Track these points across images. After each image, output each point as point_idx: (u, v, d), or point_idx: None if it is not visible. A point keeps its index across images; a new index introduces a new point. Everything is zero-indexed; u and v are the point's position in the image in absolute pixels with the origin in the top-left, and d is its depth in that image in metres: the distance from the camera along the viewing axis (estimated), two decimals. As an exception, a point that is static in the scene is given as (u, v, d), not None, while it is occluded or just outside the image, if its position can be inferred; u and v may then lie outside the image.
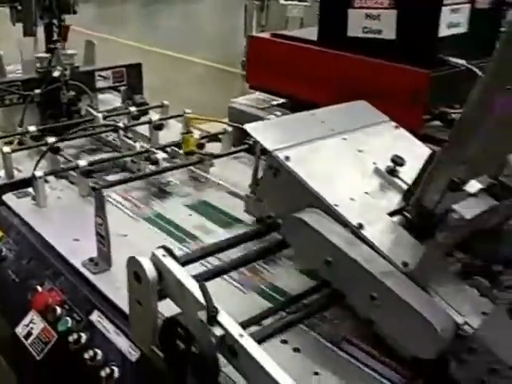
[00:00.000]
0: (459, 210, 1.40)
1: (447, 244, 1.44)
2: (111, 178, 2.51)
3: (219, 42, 11.44)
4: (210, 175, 2.60)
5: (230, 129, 2.79)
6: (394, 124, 2.11)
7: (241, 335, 1.40)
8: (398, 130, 2.09)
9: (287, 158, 1.76)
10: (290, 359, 1.61)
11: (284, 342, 1.67)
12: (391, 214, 1.70)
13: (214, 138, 2.82)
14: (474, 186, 1.51)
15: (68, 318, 1.85)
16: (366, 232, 1.60)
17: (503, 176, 1.49)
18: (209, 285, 1.58)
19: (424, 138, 2.19)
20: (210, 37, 12.25)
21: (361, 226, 1.61)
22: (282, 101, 3.35)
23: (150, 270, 1.52)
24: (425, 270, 1.49)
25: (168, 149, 2.71)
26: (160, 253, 1.55)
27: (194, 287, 1.47)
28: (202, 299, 1.43)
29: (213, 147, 2.79)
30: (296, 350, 1.65)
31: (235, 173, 2.61)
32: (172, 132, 2.96)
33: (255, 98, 3.43)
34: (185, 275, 1.51)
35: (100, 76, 3.37)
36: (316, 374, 1.57)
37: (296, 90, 3.10)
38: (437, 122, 2.83)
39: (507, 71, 1.40)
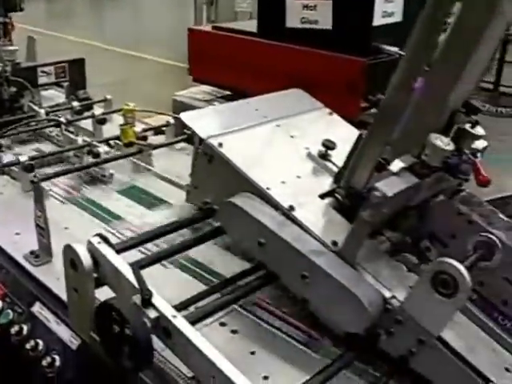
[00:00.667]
0: (381, 187, 1.45)
1: (372, 222, 1.49)
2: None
3: (169, 38, 11.40)
4: (153, 168, 2.62)
5: (172, 121, 2.81)
6: (328, 110, 2.16)
7: (174, 316, 1.44)
8: (332, 116, 2.14)
9: (220, 145, 1.80)
10: (227, 340, 1.65)
11: (222, 324, 1.71)
12: (322, 196, 1.75)
13: (157, 130, 2.84)
14: (397, 165, 1.56)
15: (9, 311, 1.86)
16: (297, 213, 1.65)
17: (424, 155, 1.54)
18: (147, 271, 1.62)
19: (362, 125, 2.24)
20: (160, 32, 12.20)
21: (292, 208, 1.66)
22: (226, 93, 3.39)
23: (86, 258, 1.54)
24: (352, 247, 1.54)
25: (112, 142, 2.72)
26: (95, 240, 1.58)
27: (128, 272, 1.50)
28: (135, 283, 1.46)
29: (158, 140, 2.81)
30: (234, 331, 1.69)
31: (179, 165, 2.64)
32: (116, 126, 2.97)
33: (199, 91, 3.46)
34: (119, 261, 1.54)
35: (43, 72, 3.36)
36: (252, 353, 1.61)
37: (237, 82, 3.14)
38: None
39: (423, 53, 1.46)
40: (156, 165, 2.63)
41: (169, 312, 1.45)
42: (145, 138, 2.63)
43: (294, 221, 1.64)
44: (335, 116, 2.14)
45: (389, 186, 1.47)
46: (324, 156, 1.86)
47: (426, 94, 1.52)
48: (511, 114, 7.35)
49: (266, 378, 1.53)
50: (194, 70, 3.38)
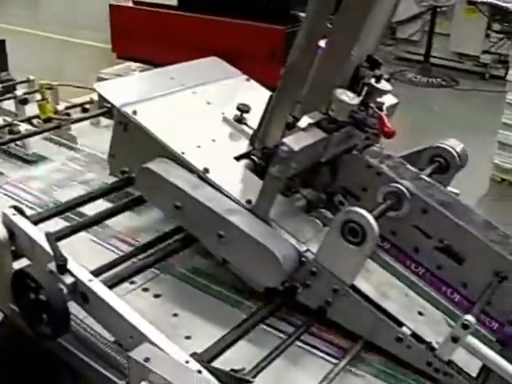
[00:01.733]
0: (288, 142, 1.48)
1: (281, 177, 1.52)
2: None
3: (103, 21, 11.20)
4: (79, 145, 2.60)
5: (95, 98, 2.78)
6: (245, 77, 2.18)
7: (90, 280, 1.45)
8: (249, 83, 2.16)
9: (135, 112, 1.80)
10: (150, 304, 1.67)
11: (145, 289, 1.72)
12: (238, 158, 1.77)
13: (82, 108, 2.81)
14: (305, 121, 1.59)
15: None
16: (212, 175, 1.67)
17: (331, 110, 1.57)
18: (68, 240, 1.62)
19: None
20: (95, 16, 11.99)
21: (206, 171, 1.67)
22: (150, 68, 3.37)
23: (1, 230, 1.53)
24: (264, 204, 1.56)
25: (35, 122, 2.68)
26: (10, 212, 1.57)
27: (42, 240, 1.50)
28: (50, 251, 1.46)
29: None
30: (157, 295, 1.70)
31: (104, 141, 2.61)
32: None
33: (124, 67, 3.43)
34: (34, 231, 1.53)
35: (-36, 56, 3.29)
36: (175, 315, 1.63)
37: (160, 56, 3.13)
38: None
39: (325, 11, 1.49)
40: (80, 142, 2.60)
41: (85, 277, 1.46)
42: (68, 116, 2.61)
43: (209, 182, 1.65)
44: (252, 82, 2.16)
45: (296, 141, 1.49)
46: (240, 120, 1.88)
47: (329, 51, 1.54)
48: (442, 84, 7.49)
49: (188, 337, 1.55)
50: (116, 47, 3.36)
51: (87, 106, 2.81)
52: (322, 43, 1.58)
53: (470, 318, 1.38)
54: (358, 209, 1.44)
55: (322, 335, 1.58)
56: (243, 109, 1.87)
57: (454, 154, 1.85)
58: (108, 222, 1.90)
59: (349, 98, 1.56)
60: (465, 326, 1.38)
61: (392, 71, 7.73)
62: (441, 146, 1.87)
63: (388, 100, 1.86)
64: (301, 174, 1.74)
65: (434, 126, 6.09)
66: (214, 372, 1.31)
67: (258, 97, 2.02)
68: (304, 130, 1.57)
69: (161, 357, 1.31)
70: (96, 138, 2.65)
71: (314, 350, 1.55)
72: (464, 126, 6.04)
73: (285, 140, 1.49)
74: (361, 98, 1.66)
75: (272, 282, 1.54)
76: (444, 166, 1.85)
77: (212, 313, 1.65)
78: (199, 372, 1.29)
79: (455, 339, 1.40)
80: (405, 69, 7.86)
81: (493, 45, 7.54)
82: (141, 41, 3.17)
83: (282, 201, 1.68)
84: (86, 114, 2.70)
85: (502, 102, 5.06)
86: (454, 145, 1.88)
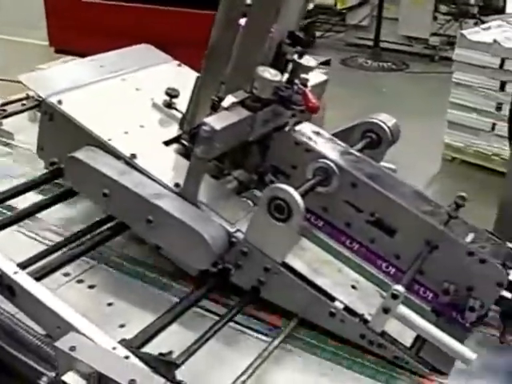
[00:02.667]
0: (209, 122, 1.46)
1: (205, 157, 1.50)
2: None
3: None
4: (15, 141, 2.55)
5: (32, 93, 2.73)
6: (176, 63, 2.16)
7: (15, 272, 1.42)
8: (180, 68, 2.14)
9: (60, 102, 1.77)
10: (84, 295, 1.64)
11: (80, 281, 1.69)
12: (168, 143, 1.75)
13: (21, 104, 2.75)
14: (229, 101, 1.58)
15: None
16: (139, 161, 1.64)
17: (254, 88, 1.56)
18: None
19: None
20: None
21: (134, 156, 1.65)
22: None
23: None
24: (191, 186, 1.55)
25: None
26: None
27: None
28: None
29: (22, 116, 2.73)
30: (91, 286, 1.68)
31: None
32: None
33: (61, 62, 3.37)
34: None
35: None
36: (110, 304, 1.61)
37: (96, 47, 3.07)
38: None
39: None
40: (17, 138, 2.56)
41: (10, 269, 1.43)
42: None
43: (137, 168, 1.63)
44: (184, 67, 2.14)
45: (218, 121, 1.48)
46: (169, 105, 1.85)
47: (248, 29, 1.53)
48: (392, 68, 7.54)
49: (122, 326, 1.53)
50: (53, 41, 3.30)
51: (24, 102, 2.76)
52: (243, 22, 1.56)
53: (398, 287, 1.38)
54: (282, 185, 1.43)
55: (257, 315, 1.57)
56: (172, 93, 1.84)
57: (386, 128, 1.85)
58: (41, 215, 1.87)
59: (271, 74, 1.55)
60: (394, 296, 1.38)
61: (343, 57, 7.77)
62: (372, 121, 1.86)
63: (317, 77, 1.85)
64: (230, 155, 1.73)
65: (386, 109, 6.06)
66: (142, 357, 1.29)
67: (189, 81, 1.99)
68: (227, 109, 1.55)
69: (87, 345, 1.29)
70: (34, 133, 2.60)
71: (249, 331, 1.54)
72: (415, 108, 6.11)
73: (206, 120, 1.47)
74: (286, 75, 1.65)
75: (202, 264, 1.53)
76: (376, 140, 1.85)
77: (147, 300, 1.63)
78: (126, 358, 1.28)
79: (386, 310, 1.40)
80: (356, 54, 7.90)
81: (441, 27, 7.61)
82: (76, 33, 3.13)
83: (212, 183, 1.66)
84: (19, 109, 2.65)
85: (451, 82, 5.11)
86: (386, 120, 1.88)
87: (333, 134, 1.85)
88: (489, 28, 5.20)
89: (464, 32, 5.03)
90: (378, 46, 7.79)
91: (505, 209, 2.17)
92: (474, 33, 5.04)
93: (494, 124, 4.78)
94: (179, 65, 2.15)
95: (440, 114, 5.27)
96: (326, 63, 3.13)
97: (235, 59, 1.58)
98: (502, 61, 4.69)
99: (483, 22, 6.07)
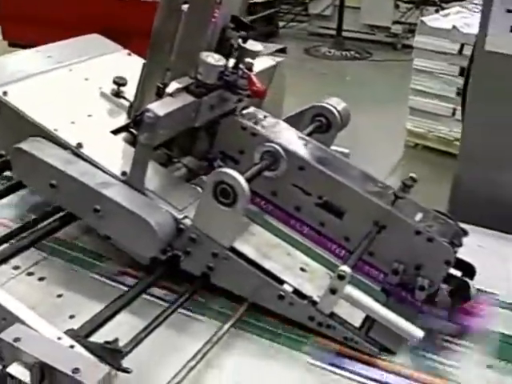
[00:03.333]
0: (152, 108, 1.45)
1: (150, 144, 1.49)
2: None
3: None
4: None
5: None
6: (126, 51, 2.14)
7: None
8: (130, 57, 2.12)
9: (5, 93, 1.74)
10: (34, 288, 1.62)
11: (30, 274, 1.67)
12: (116, 132, 1.73)
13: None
14: (172, 86, 1.57)
15: None
16: (86, 150, 1.62)
17: (199, 74, 1.55)
18: None
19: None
20: None
21: (80, 146, 1.63)
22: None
23: None
24: (138, 173, 1.53)
25: None
26: None
27: None
28: None
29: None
30: (41, 278, 1.66)
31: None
32: None
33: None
34: None
35: None
36: (60, 296, 1.59)
37: (49, 39, 3.04)
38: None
39: None
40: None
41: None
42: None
43: (84, 158, 1.61)
44: (134, 56, 2.12)
45: (161, 107, 1.47)
46: (117, 93, 1.84)
47: (190, 15, 1.52)
48: (356, 57, 7.56)
49: (72, 316, 1.52)
50: (5, 33, 3.25)
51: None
52: (185, 8, 1.55)
53: (345, 268, 1.39)
54: (227, 170, 1.43)
55: (207, 301, 1.56)
56: (119, 82, 1.83)
57: (335, 112, 1.85)
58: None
59: (215, 59, 1.54)
60: (340, 277, 1.39)
61: (306, 47, 7.78)
62: (322, 105, 1.87)
63: (265, 63, 1.85)
64: (178, 142, 1.72)
65: (350, 97, 6.12)
66: (88, 346, 1.27)
67: (138, 70, 1.98)
68: (171, 95, 1.54)
69: (32, 336, 1.27)
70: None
71: (199, 316, 1.53)
72: (379, 96, 6.14)
73: (149, 106, 1.46)
74: (233, 60, 1.65)
75: (150, 252, 1.52)
76: (325, 124, 1.85)
77: (98, 290, 1.61)
78: (72, 347, 1.26)
79: (333, 291, 1.41)
80: (319, 44, 7.91)
81: (402, 15, 7.65)
82: (30, 26, 3.07)
83: (160, 171, 1.66)
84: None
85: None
86: (336, 103, 1.88)
87: (284, 119, 1.85)
88: (448, 14, 5.23)
89: (424, 19, 5.06)
90: (341, 35, 7.80)
91: (457, 189, 2.19)
92: (434, 20, 5.07)
93: (454, 109, 4.81)
94: (129, 54, 2.13)
95: (403, 101, 5.29)
96: (282, 51, 3.13)
97: (179, 45, 1.57)
98: (461, 46, 4.72)
99: (444, 9, 6.11)
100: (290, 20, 8.57)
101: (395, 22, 7.70)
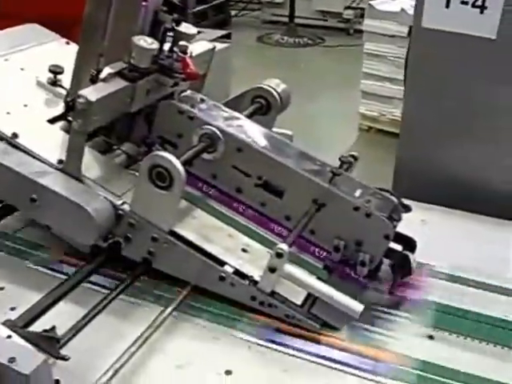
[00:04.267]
0: (84, 93, 1.43)
1: (83, 131, 1.47)
2: None
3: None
4: None
5: None
6: (64, 41, 2.12)
7: None
8: (69, 46, 2.09)
9: None
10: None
11: None
12: (53, 121, 1.71)
13: None
14: (106, 72, 1.55)
15: None
16: (21, 140, 1.60)
17: (132, 58, 1.54)
18: None
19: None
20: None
21: (15, 136, 1.61)
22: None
23: None
24: (73, 160, 1.52)
25: None
26: None
27: None
28: None
29: None
30: (-18, 271, 1.63)
31: None
32: None
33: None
34: None
35: None
36: (1, 289, 1.57)
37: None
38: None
39: None
40: None
41: None
42: None
43: (20, 148, 1.59)
44: (72, 45, 2.09)
45: (93, 92, 1.45)
46: (54, 82, 1.82)
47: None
48: (308, 43, 7.58)
49: (13, 308, 1.49)
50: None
51: None
52: None
53: (282, 246, 1.40)
54: (162, 153, 1.42)
55: (149, 287, 1.56)
56: (55, 70, 1.81)
57: (275, 94, 1.85)
58: None
59: (147, 43, 1.53)
60: (279, 255, 1.39)
61: (259, 35, 7.78)
62: (261, 86, 1.87)
63: (203, 46, 1.84)
64: (116, 128, 1.71)
65: (304, 84, 6.14)
66: (25, 335, 1.26)
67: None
68: (104, 80, 1.52)
69: (-33, 328, 1.26)
70: None
71: (142, 302, 1.52)
72: (333, 81, 6.17)
73: (81, 92, 1.45)
74: (169, 44, 1.64)
75: (89, 239, 1.50)
76: (265, 106, 1.85)
77: (39, 281, 1.59)
78: (9, 337, 1.25)
79: (272, 269, 1.41)
80: (272, 31, 7.90)
81: (354, 0, 7.67)
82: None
83: (98, 158, 1.64)
84: None
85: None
86: (275, 85, 1.88)
87: (225, 103, 1.85)
88: (397, -3, 5.27)
89: (372, 3, 5.08)
90: (293, 21, 7.81)
91: (399, 167, 2.22)
92: (382, 3, 5.10)
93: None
94: (67, 43, 2.11)
95: (356, 85, 5.33)
96: (227, 36, 3.12)
97: (111, 31, 1.56)
98: (410, 29, 4.74)
99: (393, -7, 6.14)
100: (241, 8, 8.54)
101: (347, 8, 7.72)
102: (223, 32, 3.08)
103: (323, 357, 1.39)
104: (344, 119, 5.48)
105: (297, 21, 7.85)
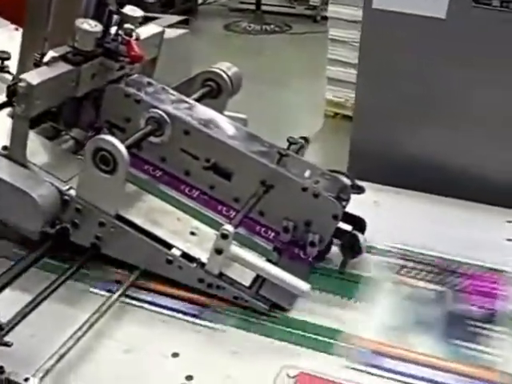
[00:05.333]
0: (25, 77, 1.42)
1: (26, 115, 1.45)
2: None
3: None
4: None
5: None
6: (13, 27, 2.09)
7: None
8: (18, 32, 2.07)
9: None
10: None
11: None
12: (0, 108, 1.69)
13: None
14: (48, 55, 1.54)
15: None
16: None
17: (76, 41, 1.52)
18: None
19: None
20: None
21: (-39, 124, 1.58)
22: None
23: None
24: (18, 146, 1.50)
25: None
26: None
27: None
28: None
29: None
30: None
31: None
32: None
33: None
34: None
35: None
36: None
37: None
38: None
39: None
40: None
41: None
42: None
43: None
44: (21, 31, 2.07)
45: (35, 76, 1.44)
46: (1, 69, 1.79)
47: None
48: (275, 30, 7.57)
49: None
50: None
51: None
52: None
53: (227, 227, 1.39)
54: (105, 136, 1.41)
55: (97, 272, 1.55)
56: (2, 56, 1.78)
57: (225, 77, 1.84)
58: None
59: (90, 26, 1.51)
60: (224, 236, 1.39)
61: (227, 23, 7.75)
62: (212, 70, 1.86)
63: (152, 29, 1.83)
64: (63, 114, 1.69)
65: (270, 71, 6.16)
66: (-36, 325, 1.25)
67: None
68: (47, 64, 1.51)
69: None
70: None
71: (90, 287, 1.51)
72: (299, 68, 6.17)
73: (22, 76, 1.43)
74: (115, 27, 1.63)
75: (35, 225, 1.49)
76: (215, 89, 1.84)
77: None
78: None
79: (218, 251, 1.41)
80: (239, 19, 7.88)
81: (321, -13, 7.68)
82: None
83: (45, 144, 1.62)
84: None
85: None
86: (226, 68, 1.87)
87: (175, 87, 1.83)
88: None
89: (336, -11, 5.09)
90: (260, 9, 7.80)
91: (353, 149, 2.22)
92: (347, -11, 5.10)
93: (369, 77, 4.87)
94: (16, 29, 2.09)
95: (323, 72, 5.33)
96: (185, 22, 3.10)
97: (54, 14, 1.54)
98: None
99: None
100: (209, -4, 8.52)
101: (314, -6, 7.72)
102: (180, 18, 3.06)
103: (421, 378, 1.29)
104: (311, 106, 5.49)
105: (264, 8, 7.84)
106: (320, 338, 1.39)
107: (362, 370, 1.30)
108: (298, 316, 1.45)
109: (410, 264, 1.65)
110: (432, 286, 1.58)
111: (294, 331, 1.41)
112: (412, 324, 1.44)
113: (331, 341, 1.38)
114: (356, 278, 1.60)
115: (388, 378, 1.28)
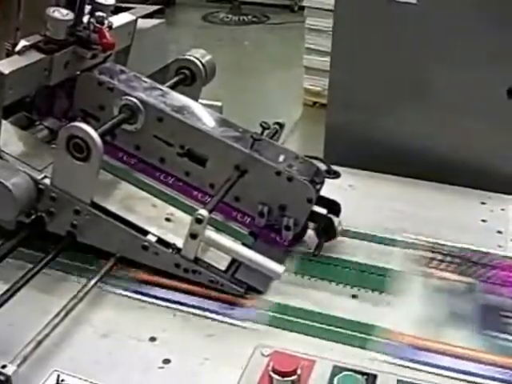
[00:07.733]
0: (-4, 66, 1.42)
1: (-1, 105, 1.46)
2: None
3: None
4: None
5: None
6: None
7: None
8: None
9: None
10: None
11: None
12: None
13: None
14: (20, 44, 1.54)
15: None
16: None
17: (47, 30, 1.52)
18: None
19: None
20: None
21: None
22: None
23: None
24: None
25: None
26: None
27: None
28: None
29: None
30: None
31: None
32: None
33: None
34: None
35: None
36: None
37: None
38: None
39: None
40: None
41: None
42: None
43: None
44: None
45: (6, 65, 1.44)
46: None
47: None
48: (253, 21, 7.57)
49: None
50: None
51: None
52: None
53: (202, 211, 1.40)
54: (78, 123, 1.42)
55: (74, 259, 1.55)
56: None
57: (199, 64, 1.85)
58: None
59: (62, 14, 1.52)
60: (198, 221, 1.40)
61: (204, 14, 7.74)
62: (186, 57, 1.86)
63: (125, 18, 1.83)
64: (37, 103, 1.69)
65: (248, 61, 6.17)
66: None
67: None
68: (19, 53, 1.51)
69: None
70: None
71: (67, 275, 1.52)
72: (278, 58, 6.18)
73: (-8, 65, 1.43)
74: (87, 15, 1.63)
75: (9, 215, 1.48)
76: (190, 77, 1.85)
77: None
78: None
79: (193, 235, 1.42)
80: (217, 10, 7.87)
81: (296, -24, 7.69)
82: None
83: (19, 134, 1.63)
84: None
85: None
86: (200, 56, 1.88)
87: (149, 75, 1.84)
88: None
89: (312, -22, 5.10)
90: (238, 0, 7.79)
91: (328, 135, 2.24)
92: (321, -22, 5.11)
93: (347, 65, 4.88)
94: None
95: (301, 61, 5.36)
96: (160, 11, 3.10)
97: (26, 3, 1.54)
98: (350, 2, 4.77)
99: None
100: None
101: (291, -16, 7.73)
102: (156, 7, 3.06)
103: (455, 370, 1.24)
104: (289, 95, 5.51)
105: (241, -1, 7.84)
106: (294, 319, 1.41)
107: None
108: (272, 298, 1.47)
109: (385, 247, 1.67)
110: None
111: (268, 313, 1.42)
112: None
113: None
114: (331, 260, 1.61)
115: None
